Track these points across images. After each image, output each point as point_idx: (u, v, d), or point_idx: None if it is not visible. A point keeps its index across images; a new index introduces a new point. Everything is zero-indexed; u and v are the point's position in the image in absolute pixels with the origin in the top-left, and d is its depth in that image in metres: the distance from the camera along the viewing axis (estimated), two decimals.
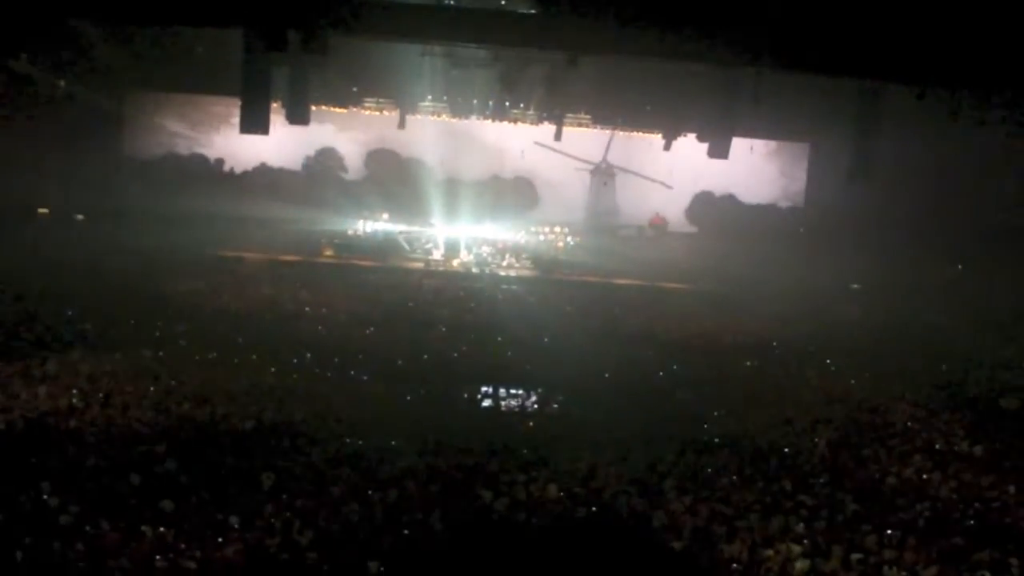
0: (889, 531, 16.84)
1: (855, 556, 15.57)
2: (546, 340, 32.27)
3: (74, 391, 22.06)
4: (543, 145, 55.10)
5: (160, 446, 18.55)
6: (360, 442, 20.24)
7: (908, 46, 23.20)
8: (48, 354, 25.20)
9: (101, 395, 21.96)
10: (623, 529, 16.47)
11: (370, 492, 17.07)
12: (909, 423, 24.86)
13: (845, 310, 43.05)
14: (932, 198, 45.91)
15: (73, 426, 19.72)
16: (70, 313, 30.44)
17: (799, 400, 26.57)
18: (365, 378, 25.99)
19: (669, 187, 57.21)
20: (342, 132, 56.84)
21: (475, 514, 16.58)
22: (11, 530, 14.45)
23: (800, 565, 15.12)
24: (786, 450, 21.77)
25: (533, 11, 27.26)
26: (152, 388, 22.99)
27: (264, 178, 55.23)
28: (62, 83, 45.92)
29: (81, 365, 24.43)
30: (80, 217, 48.63)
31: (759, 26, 23.33)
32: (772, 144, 57.42)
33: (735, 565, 15.31)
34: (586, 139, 56.58)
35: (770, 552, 15.55)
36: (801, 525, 16.78)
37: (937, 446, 22.85)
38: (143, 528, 14.72)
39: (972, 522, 18.11)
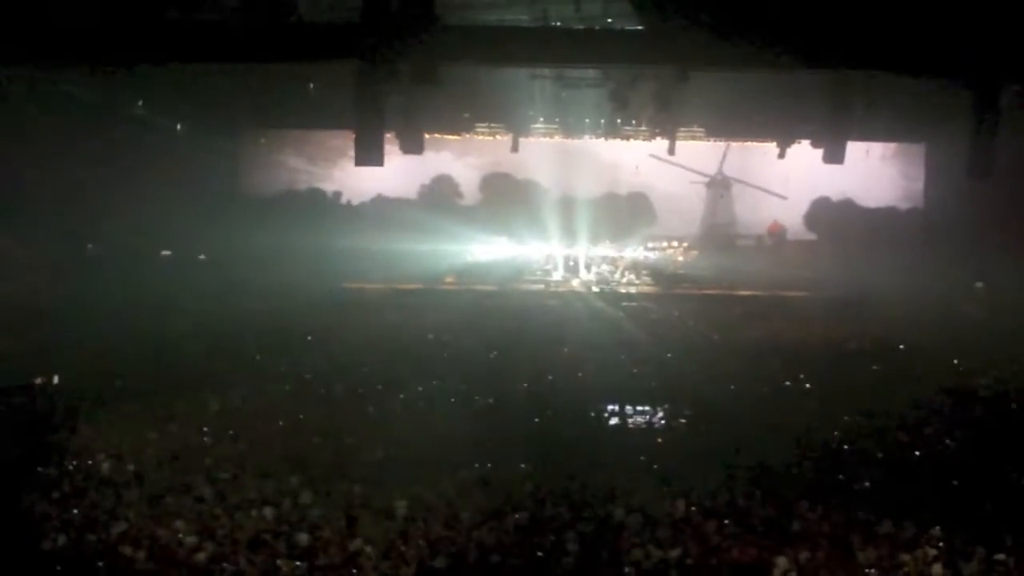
0: None
1: (997, 557, 15.37)
2: (670, 355, 32.17)
3: (205, 429, 22.38)
4: (657, 158, 54.82)
5: (292, 480, 18.74)
6: (489, 466, 20.32)
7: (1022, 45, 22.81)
8: (177, 394, 25.51)
9: (231, 432, 22.24)
10: (757, 540, 16.39)
11: (504, 516, 17.13)
12: None
13: (971, 310, 42.50)
14: None
15: (207, 464, 19.97)
16: (197, 352, 30.82)
17: (930, 403, 26.22)
18: (491, 402, 26.02)
19: (784, 197, 56.77)
20: (458, 159, 57.13)
21: (609, 533, 16.58)
22: (149, 569, 14.67)
23: (936, 570, 14.95)
24: (917, 453, 21.54)
25: (640, 27, 27.23)
26: (280, 423, 23.26)
27: (381, 208, 55.53)
28: (179, 126, 46.65)
29: (210, 403, 24.75)
30: (202, 257, 49.23)
31: (869, 30, 23.10)
32: (890, 146, 56.85)
33: (871, 571, 15.17)
34: (700, 151, 56.33)
35: (907, 557, 15.39)
36: (938, 528, 16.55)
37: None
38: (279, 562, 14.88)
39: None
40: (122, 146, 43.19)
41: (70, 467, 19.68)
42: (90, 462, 19.86)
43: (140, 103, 43.44)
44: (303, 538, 15.74)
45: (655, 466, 20.57)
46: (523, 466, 20.32)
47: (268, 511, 16.92)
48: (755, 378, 28.76)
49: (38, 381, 26.22)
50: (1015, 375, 29.46)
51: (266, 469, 19.57)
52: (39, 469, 19.36)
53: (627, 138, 54.15)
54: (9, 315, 32.80)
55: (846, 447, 22.00)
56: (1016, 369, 30.13)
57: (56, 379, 26.64)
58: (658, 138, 53.33)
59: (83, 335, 31.61)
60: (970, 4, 22.28)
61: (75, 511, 16.99)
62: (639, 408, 25.91)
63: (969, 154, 25.09)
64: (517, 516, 17.09)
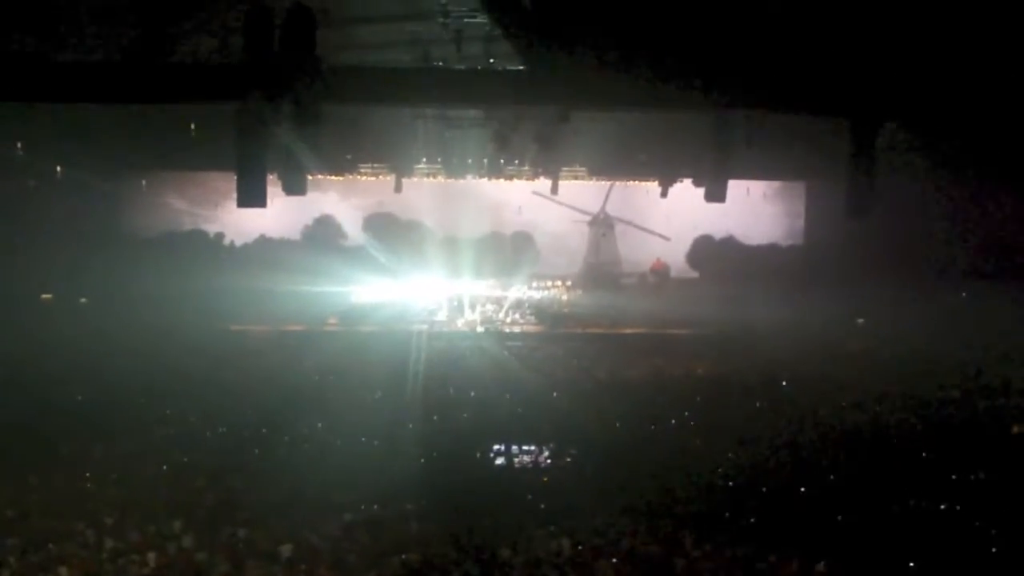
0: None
1: None
2: (555, 395, 32.24)
3: (87, 474, 22.08)
4: (541, 195, 55.15)
5: (176, 524, 18.56)
6: (375, 507, 20.25)
7: (898, 85, 23.17)
8: (59, 439, 25.14)
9: (114, 476, 21.98)
10: None
11: (390, 557, 17.06)
12: (925, 454, 24.78)
13: (852, 345, 43.05)
14: (932, 227, 45.79)
15: (90, 509, 19.72)
16: (79, 397, 30.44)
17: (812, 439, 26.45)
18: (376, 443, 25.89)
19: (667, 238, 57.20)
20: (342, 199, 57.06)
21: (496, 573, 16.56)
22: None
23: None
24: (803, 490, 21.71)
25: (522, 67, 27.35)
26: (164, 467, 23.01)
27: (264, 250, 55.23)
28: (58, 168, 46.13)
29: (93, 448, 24.44)
30: (83, 300, 48.71)
31: (748, 69, 23.32)
32: (772, 184, 57.40)
33: None
34: (584, 190, 56.68)
35: None
36: (822, 563, 16.69)
37: (953, 476, 22.72)
38: None
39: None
40: None
41: None
42: None
43: (18, 145, 42.94)
44: None
45: (542, 506, 20.58)
46: (409, 507, 20.26)
47: (152, 556, 16.74)
48: (640, 416, 28.86)
49: None
50: (896, 409, 29.87)
51: (150, 514, 19.36)
52: None
53: (510, 178, 54.37)
54: None
55: (731, 483, 22.13)
56: (898, 403, 30.56)
57: None
58: (541, 177, 53.58)
59: None
60: (847, 43, 22.64)
61: None
62: (525, 448, 25.91)
63: (847, 193, 25.43)
64: (404, 557, 17.03)
